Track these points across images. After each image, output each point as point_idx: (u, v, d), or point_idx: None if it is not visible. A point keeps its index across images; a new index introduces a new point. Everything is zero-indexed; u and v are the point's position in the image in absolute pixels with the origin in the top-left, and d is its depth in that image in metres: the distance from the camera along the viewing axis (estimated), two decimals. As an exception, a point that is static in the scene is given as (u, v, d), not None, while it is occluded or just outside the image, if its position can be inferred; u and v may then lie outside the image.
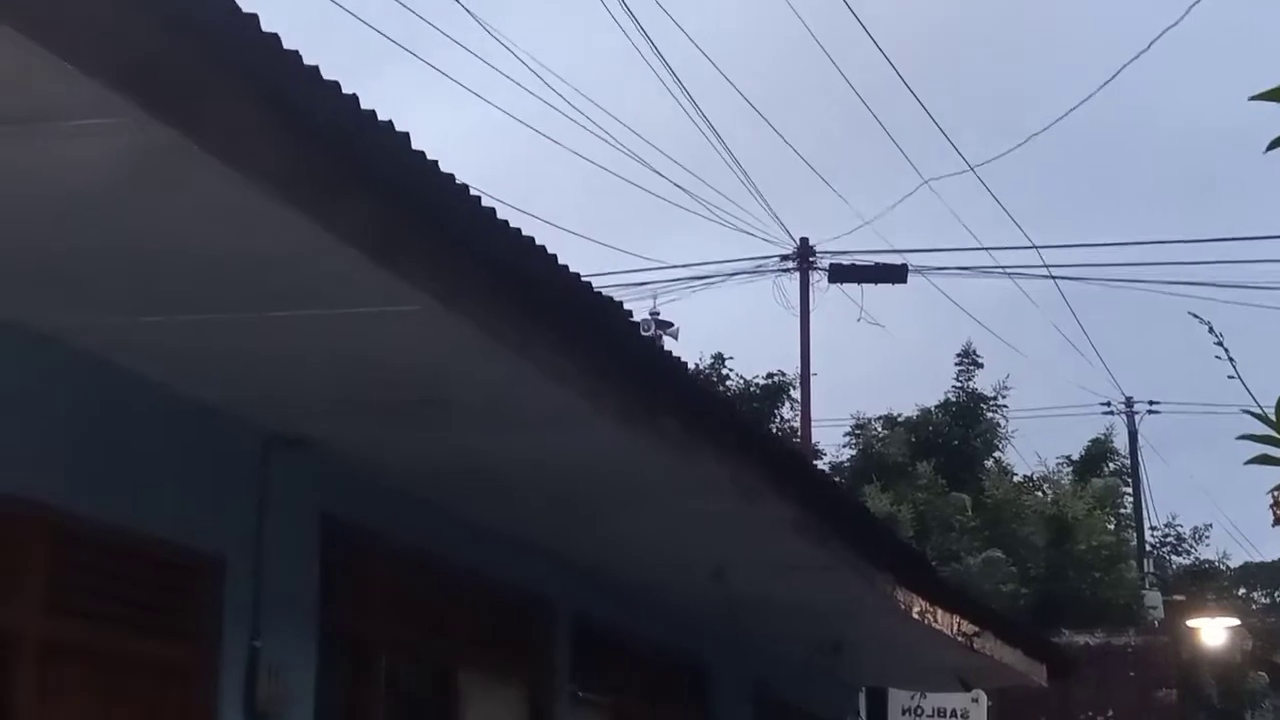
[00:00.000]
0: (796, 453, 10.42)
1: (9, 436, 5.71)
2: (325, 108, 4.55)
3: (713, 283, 24.43)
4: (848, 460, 29.16)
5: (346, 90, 4.56)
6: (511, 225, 5.52)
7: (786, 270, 24.18)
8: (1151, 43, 19.91)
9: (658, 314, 24.66)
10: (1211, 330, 4.14)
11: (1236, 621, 26.75)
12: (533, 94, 35.91)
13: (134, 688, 6.42)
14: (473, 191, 5.24)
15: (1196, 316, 4.23)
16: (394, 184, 5.00)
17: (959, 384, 30.25)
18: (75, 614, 6.09)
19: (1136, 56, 20.32)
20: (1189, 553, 35.20)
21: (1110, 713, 23.50)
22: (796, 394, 27.22)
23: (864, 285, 24.23)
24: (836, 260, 23.94)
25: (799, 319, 23.96)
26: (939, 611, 11.98)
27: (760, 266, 24.27)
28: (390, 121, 4.76)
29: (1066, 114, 28.26)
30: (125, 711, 6.35)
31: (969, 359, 30.34)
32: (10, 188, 4.66)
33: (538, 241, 5.69)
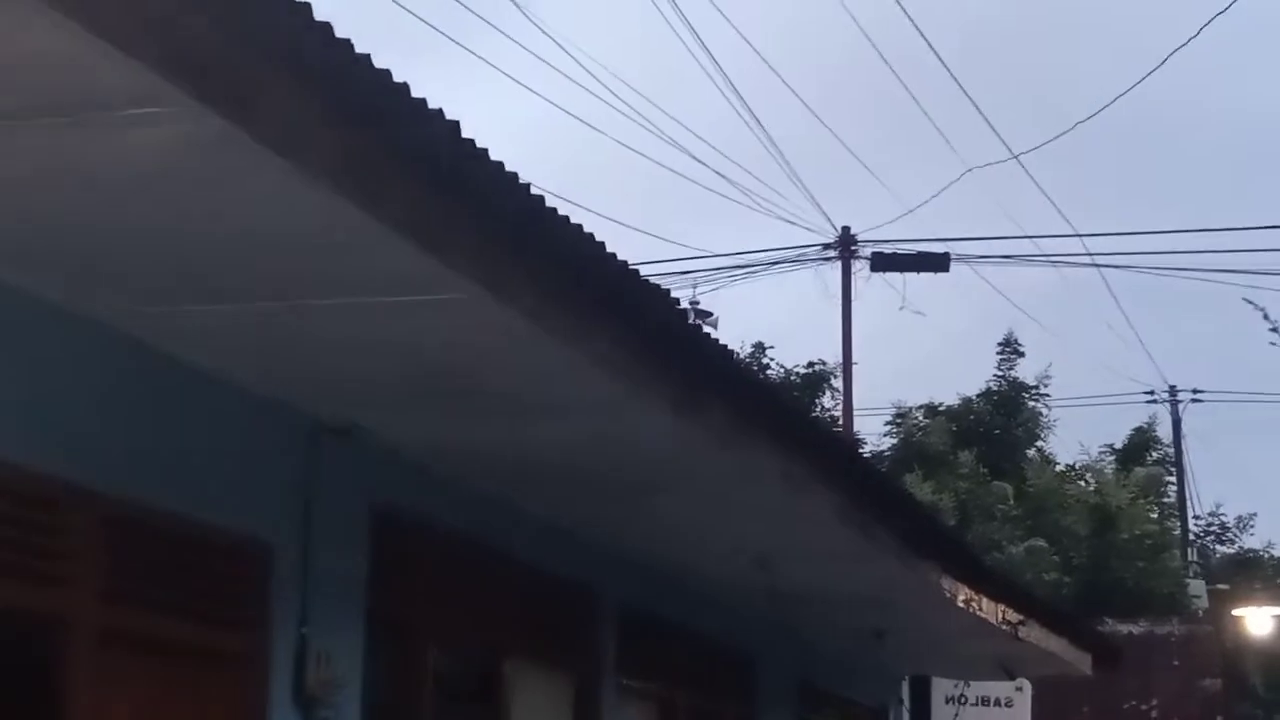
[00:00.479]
0: (843, 441, 10.41)
1: (63, 423, 5.75)
2: (375, 95, 4.55)
3: (754, 272, 24.49)
4: (889, 449, 29.14)
5: (397, 78, 4.57)
6: (560, 213, 5.52)
7: (828, 259, 24.19)
8: (1201, 29, 19.75)
9: (697, 303, 24.69)
10: (1266, 316, 4.12)
11: (1283, 610, 26.57)
12: (573, 80, 35.97)
13: (186, 674, 6.45)
14: (522, 179, 5.24)
15: (1251, 303, 4.23)
16: (442, 171, 5.00)
17: (1000, 373, 30.21)
18: (129, 601, 6.11)
19: (1186, 43, 20.20)
20: (1233, 542, 35.09)
21: (1154, 702, 23.40)
22: (837, 383, 27.24)
23: (906, 274, 24.21)
24: (878, 249, 23.93)
25: (840, 308, 23.95)
26: (984, 600, 11.94)
27: (802, 255, 24.29)
28: (440, 109, 4.77)
29: (1114, 100, 28.18)
30: (177, 697, 6.39)
31: (1011, 348, 30.29)
32: (61, 175, 4.68)
33: (585, 230, 5.69)
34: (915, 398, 30.25)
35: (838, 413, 25.73)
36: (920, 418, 29.58)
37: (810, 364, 28.84)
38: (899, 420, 29.59)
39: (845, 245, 24.11)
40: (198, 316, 5.86)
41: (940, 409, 29.68)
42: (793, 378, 28.52)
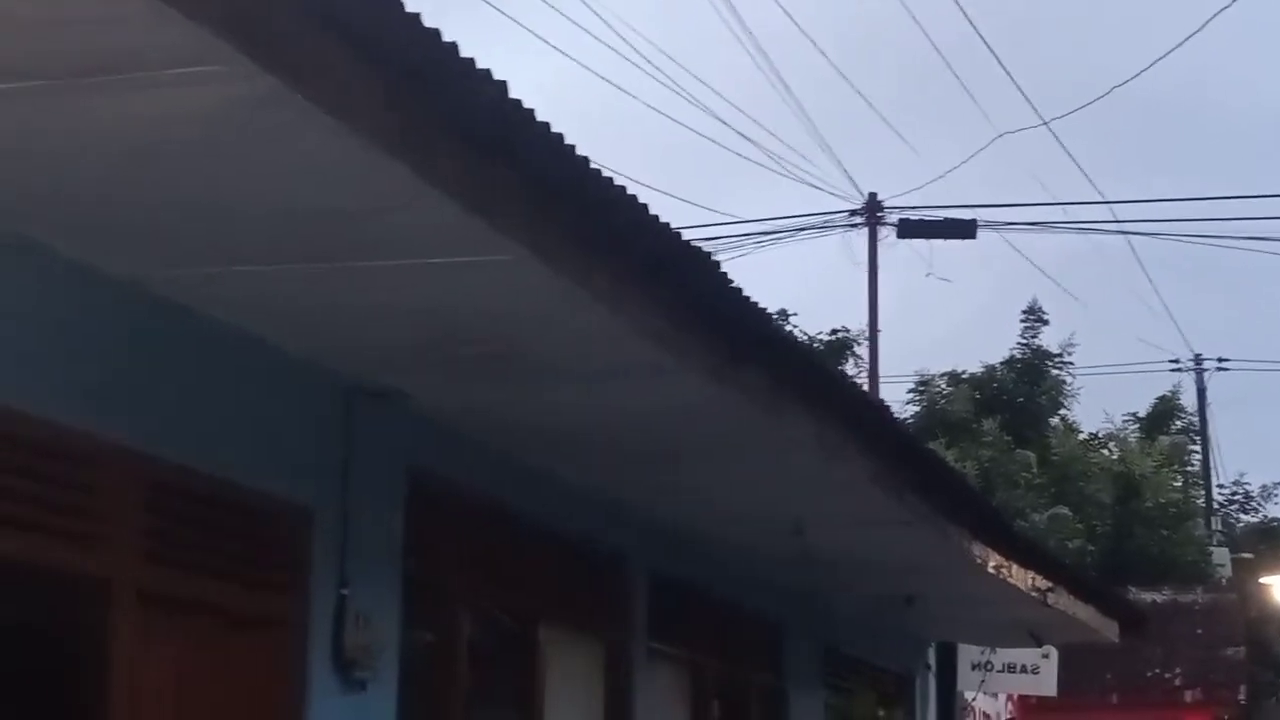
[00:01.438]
0: (880, 407, 10.38)
1: (105, 384, 5.73)
2: (424, 55, 4.52)
3: (780, 238, 24.39)
4: (912, 417, 29.11)
5: (446, 38, 4.53)
6: (605, 175, 5.48)
7: (855, 226, 24.10)
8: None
9: (720, 269, 24.57)
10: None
11: (1309, 579, 26.55)
12: (604, 44, 35.92)
13: (225, 636, 6.45)
14: (568, 141, 5.20)
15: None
16: (490, 133, 4.97)
17: (1024, 340, 30.16)
18: (172, 563, 6.12)
19: (1228, 5, 19.87)
20: (1257, 510, 35.08)
21: (1177, 670, 23.39)
22: (860, 350, 27.20)
23: (932, 241, 24.13)
24: (905, 216, 23.84)
25: (866, 275, 23.89)
26: (1014, 566, 11.92)
27: (828, 222, 24.21)
28: (489, 70, 4.73)
29: (1152, 65, 28.16)
30: (216, 659, 6.39)
31: (1035, 315, 30.24)
32: (108, 135, 4.65)
33: (631, 193, 5.65)
34: (939, 365, 30.24)
35: (862, 380, 25.68)
36: (944, 386, 29.55)
37: (834, 331, 28.81)
38: (922, 388, 29.57)
39: (872, 211, 24.03)
40: (239, 278, 5.82)
41: (964, 377, 29.64)
42: (816, 345, 28.47)
